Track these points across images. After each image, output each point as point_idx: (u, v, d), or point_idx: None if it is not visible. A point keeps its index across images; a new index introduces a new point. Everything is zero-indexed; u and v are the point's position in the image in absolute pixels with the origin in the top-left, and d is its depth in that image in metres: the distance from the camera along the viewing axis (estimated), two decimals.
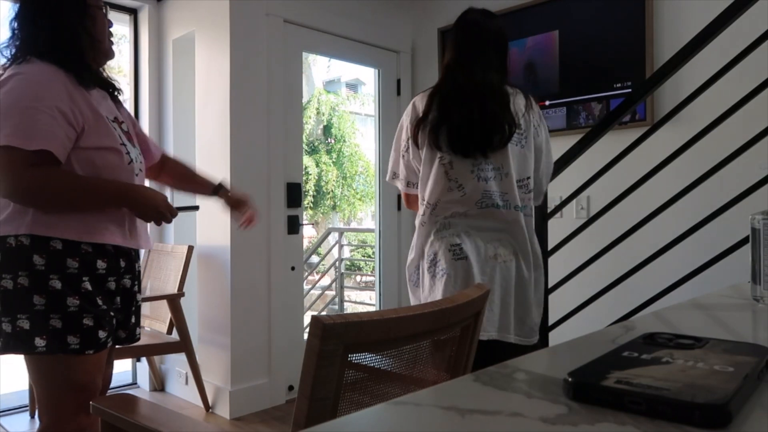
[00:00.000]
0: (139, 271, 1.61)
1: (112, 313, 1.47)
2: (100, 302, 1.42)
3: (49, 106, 1.32)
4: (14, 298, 1.34)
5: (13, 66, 1.37)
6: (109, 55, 1.54)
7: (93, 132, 1.40)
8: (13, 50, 1.41)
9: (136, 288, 1.59)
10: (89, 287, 1.40)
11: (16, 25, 1.43)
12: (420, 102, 1.74)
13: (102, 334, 1.42)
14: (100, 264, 1.43)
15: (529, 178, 1.73)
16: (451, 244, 1.67)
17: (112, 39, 1.55)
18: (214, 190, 1.78)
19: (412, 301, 1.82)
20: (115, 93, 1.57)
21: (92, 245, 1.41)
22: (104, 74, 1.55)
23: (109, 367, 1.62)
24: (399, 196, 3.67)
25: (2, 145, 1.28)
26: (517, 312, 1.68)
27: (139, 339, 1.63)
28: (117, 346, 1.58)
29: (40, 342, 1.34)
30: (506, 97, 1.68)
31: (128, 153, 1.48)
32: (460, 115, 1.67)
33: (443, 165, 1.69)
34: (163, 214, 1.48)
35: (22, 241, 1.35)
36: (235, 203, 1.77)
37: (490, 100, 1.66)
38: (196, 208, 1.82)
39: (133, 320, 1.59)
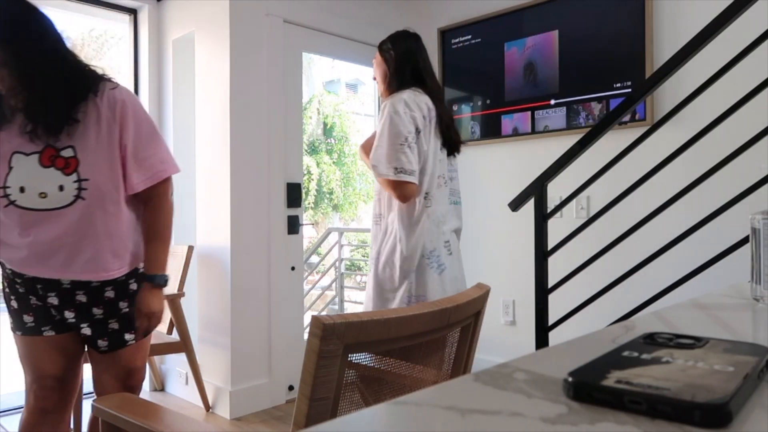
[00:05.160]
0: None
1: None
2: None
3: None
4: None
5: None
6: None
7: None
8: None
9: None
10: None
11: None
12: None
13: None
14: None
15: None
16: (445, 240, 1.91)
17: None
18: (139, 276, 1.63)
19: (393, 303, 1.94)
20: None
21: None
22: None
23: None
24: None
25: None
26: None
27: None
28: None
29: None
30: None
31: (6, 195, 1.45)
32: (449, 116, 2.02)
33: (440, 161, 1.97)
34: None
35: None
36: (140, 302, 1.60)
37: None
38: None
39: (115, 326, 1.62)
